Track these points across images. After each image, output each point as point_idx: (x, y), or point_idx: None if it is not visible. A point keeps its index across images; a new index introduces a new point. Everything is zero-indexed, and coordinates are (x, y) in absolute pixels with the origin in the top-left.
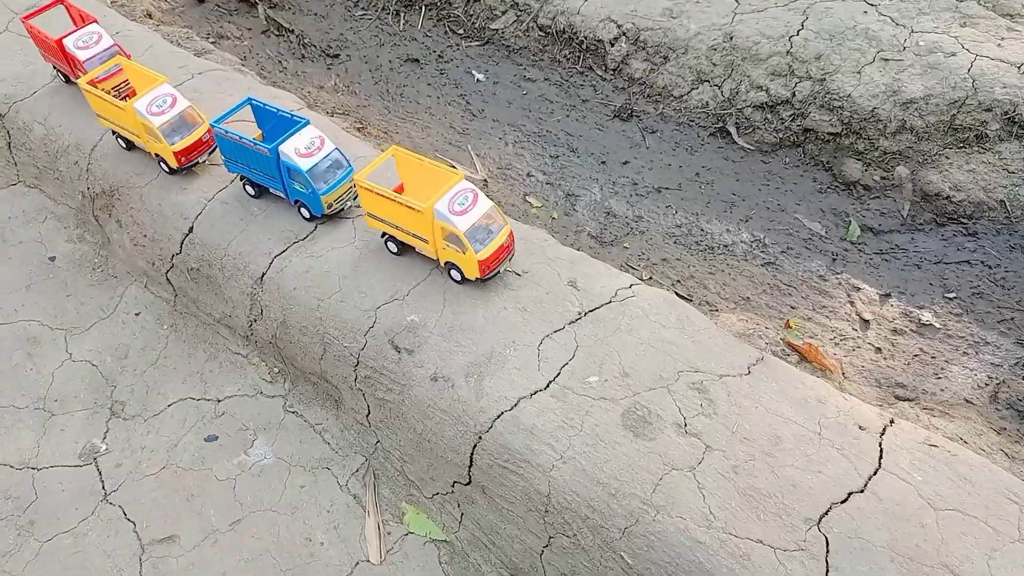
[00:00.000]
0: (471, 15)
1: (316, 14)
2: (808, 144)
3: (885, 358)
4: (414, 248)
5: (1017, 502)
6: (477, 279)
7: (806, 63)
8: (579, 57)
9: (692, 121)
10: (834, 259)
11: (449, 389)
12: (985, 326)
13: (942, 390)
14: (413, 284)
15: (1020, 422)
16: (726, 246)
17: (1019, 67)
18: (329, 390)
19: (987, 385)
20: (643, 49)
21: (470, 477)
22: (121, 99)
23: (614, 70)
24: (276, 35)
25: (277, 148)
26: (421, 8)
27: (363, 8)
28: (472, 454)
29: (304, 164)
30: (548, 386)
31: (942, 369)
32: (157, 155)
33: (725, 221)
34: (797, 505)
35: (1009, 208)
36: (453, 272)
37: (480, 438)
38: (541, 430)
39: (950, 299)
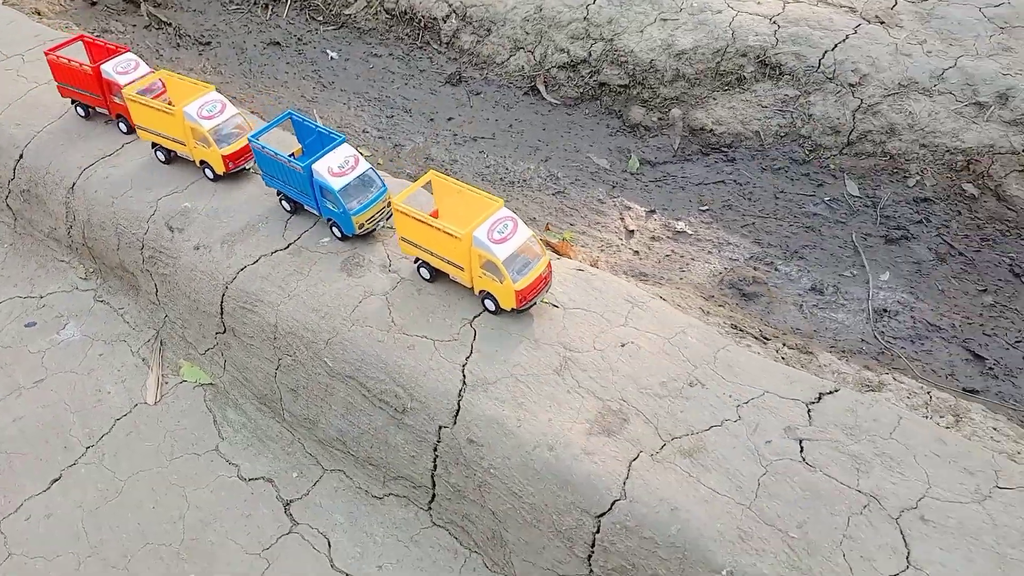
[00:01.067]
0: (329, 3)
1: (194, 10)
2: (604, 96)
3: (640, 258)
4: (448, 275)
5: (631, 302)
6: (513, 310)
7: (599, 27)
8: (418, 34)
9: (510, 83)
10: (614, 187)
11: (207, 254)
12: (730, 231)
13: (680, 279)
14: (191, 181)
15: (734, 296)
16: (525, 180)
17: (771, 19)
18: (129, 279)
19: (719, 274)
20: (470, 24)
21: (223, 325)
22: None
23: (447, 44)
24: (156, 29)
25: (311, 166)
26: (287, 0)
27: (236, 3)
28: (222, 303)
29: (336, 183)
30: (288, 247)
31: (687, 265)
32: (202, 162)
33: (527, 162)
34: (458, 312)
35: (762, 136)
36: (487, 302)
37: (227, 288)
38: (275, 276)
39: (703, 211)
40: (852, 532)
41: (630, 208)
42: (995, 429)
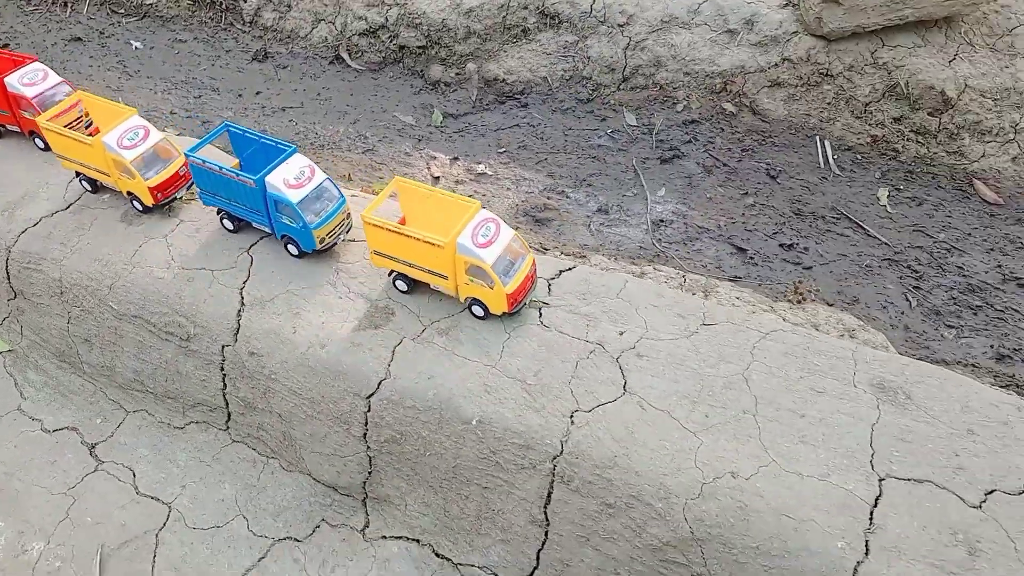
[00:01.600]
0: None
1: None
2: (405, 58)
3: None
4: (428, 285)
5: None
6: (504, 314)
7: None
8: (222, 16)
9: (316, 55)
10: (419, 140)
11: None
12: (526, 168)
13: None
14: None
15: (530, 223)
16: (335, 143)
17: None
18: None
19: (517, 206)
20: (271, 1)
21: (12, 289)
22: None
23: (250, 23)
24: None
25: (264, 179)
26: None
27: (35, 3)
28: (7, 267)
29: (294, 196)
30: (69, 207)
31: (488, 202)
32: (129, 193)
33: (336, 125)
34: (236, 243)
35: (549, 81)
36: (475, 307)
37: (9, 252)
38: (56, 235)
39: (501, 153)
40: (579, 373)
41: (435, 158)
42: (738, 298)
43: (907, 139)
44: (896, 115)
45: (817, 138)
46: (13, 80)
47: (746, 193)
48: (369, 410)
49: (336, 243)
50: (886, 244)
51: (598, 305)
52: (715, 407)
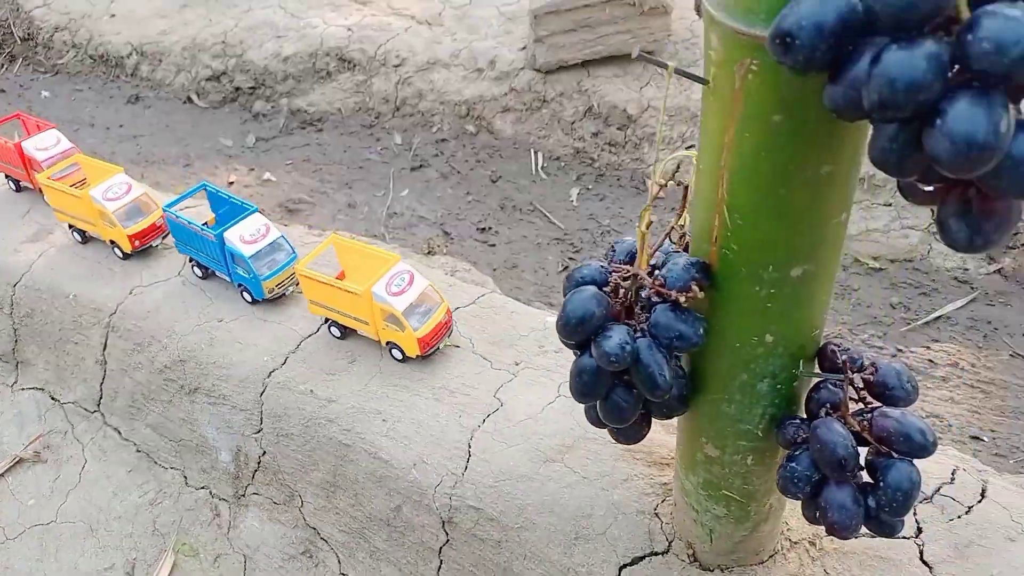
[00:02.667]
0: (49, 57)
1: None
2: (240, 97)
3: None
4: (356, 331)
5: None
6: (418, 356)
7: (233, 47)
8: (111, 71)
9: (175, 97)
10: (231, 157)
11: None
12: (304, 175)
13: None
14: None
15: (283, 213)
16: (163, 160)
17: (349, 27)
18: None
19: (282, 202)
20: (146, 57)
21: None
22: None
23: (131, 74)
24: None
25: (222, 234)
26: None
27: None
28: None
29: (247, 250)
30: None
31: (261, 200)
32: (112, 241)
33: (170, 147)
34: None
35: (342, 112)
36: (395, 351)
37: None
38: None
39: (288, 164)
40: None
41: (237, 169)
42: (454, 268)
43: (602, 149)
44: (594, 131)
45: (532, 150)
46: (28, 145)
47: (468, 193)
48: None
49: (285, 293)
50: (560, 228)
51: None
52: None
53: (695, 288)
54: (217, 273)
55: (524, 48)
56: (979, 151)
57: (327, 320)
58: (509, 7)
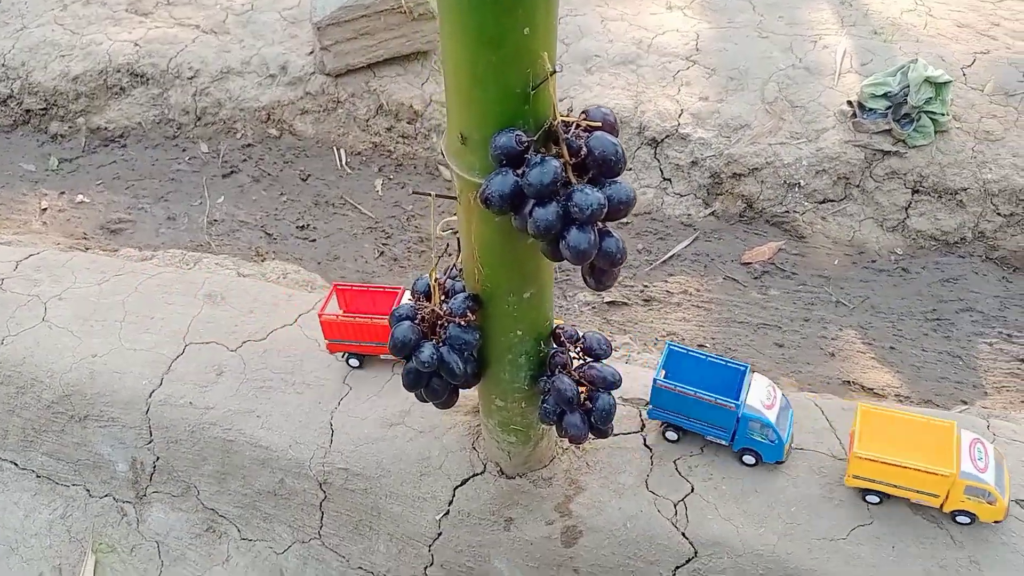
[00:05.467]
0: None
1: None
2: (32, 119)
3: (47, 227)
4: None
5: None
6: (995, 522)
7: (15, 69)
8: None
9: None
10: (36, 183)
11: None
12: (116, 193)
13: (63, 231)
14: None
15: (105, 235)
16: None
17: (135, 42)
18: None
19: (102, 224)
20: None
21: None
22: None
23: None
24: None
25: (743, 402)
26: None
27: None
28: None
29: (771, 416)
30: None
31: (78, 224)
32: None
33: None
34: None
35: (143, 126)
36: (959, 518)
37: None
38: None
39: (99, 184)
40: None
41: (46, 195)
42: (285, 272)
43: (396, 142)
44: (387, 126)
45: (335, 148)
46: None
47: (282, 193)
48: None
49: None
50: (371, 217)
51: None
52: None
53: (469, 313)
54: (707, 437)
55: (312, 53)
56: (586, 254)
57: (870, 491)
58: (290, 11)
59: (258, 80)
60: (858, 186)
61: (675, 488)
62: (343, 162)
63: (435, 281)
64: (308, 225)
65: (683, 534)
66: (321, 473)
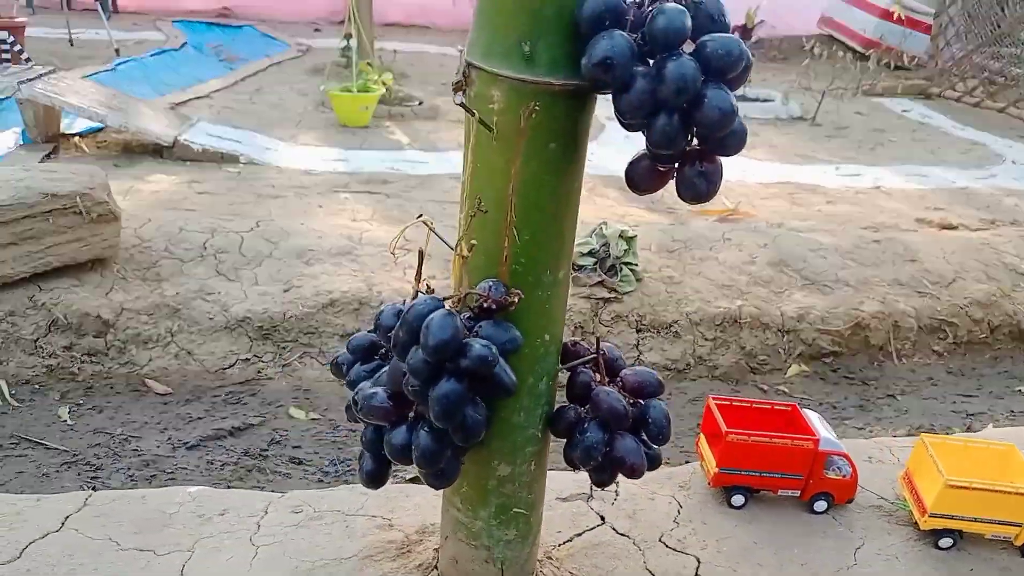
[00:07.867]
0: None
1: None
2: None
3: None
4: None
5: None
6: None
7: None
8: None
9: None
10: None
11: None
12: None
13: None
14: None
15: None
16: None
17: None
18: None
19: None
20: None
21: None
22: None
23: None
24: None
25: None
26: None
27: None
28: None
29: None
30: None
31: None
32: None
33: None
34: None
35: None
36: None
37: None
38: None
39: None
40: None
41: None
42: None
43: (82, 361)
44: (66, 344)
45: None
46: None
47: None
48: None
49: None
50: (66, 451)
51: None
52: None
53: (509, 298)
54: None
55: None
56: (732, 114)
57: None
58: None
59: None
60: (592, 332)
61: None
62: (7, 395)
63: (422, 287)
64: None
65: None
66: None
